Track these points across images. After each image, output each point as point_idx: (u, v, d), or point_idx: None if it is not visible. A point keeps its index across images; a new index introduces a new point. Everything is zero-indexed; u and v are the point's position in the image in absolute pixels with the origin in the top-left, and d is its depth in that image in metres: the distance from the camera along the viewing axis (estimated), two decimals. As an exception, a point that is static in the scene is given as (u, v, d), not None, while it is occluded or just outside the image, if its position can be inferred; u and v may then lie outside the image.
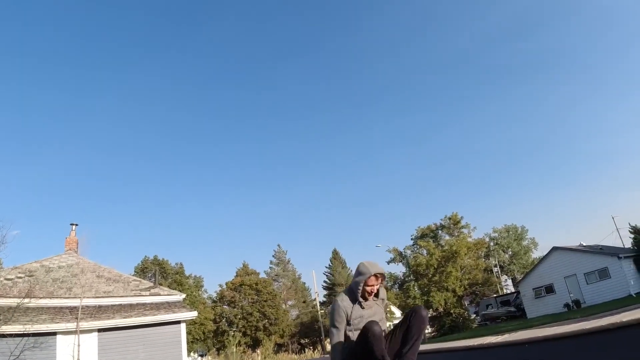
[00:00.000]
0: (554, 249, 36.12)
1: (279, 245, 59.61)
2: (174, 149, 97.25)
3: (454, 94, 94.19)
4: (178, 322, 16.89)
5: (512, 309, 39.95)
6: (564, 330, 4.51)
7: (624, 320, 3.77)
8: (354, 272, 4.50)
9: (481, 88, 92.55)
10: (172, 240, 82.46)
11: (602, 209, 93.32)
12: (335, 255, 55.92)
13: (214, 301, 51.54)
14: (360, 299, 3.81)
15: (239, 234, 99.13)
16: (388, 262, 51.65)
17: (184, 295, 20.21)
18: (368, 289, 3.79)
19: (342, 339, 3.73)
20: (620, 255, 32.34)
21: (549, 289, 35.29)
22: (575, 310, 29.95)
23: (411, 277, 45.97)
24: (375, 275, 3.78)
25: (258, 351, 41.26)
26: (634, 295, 27.98)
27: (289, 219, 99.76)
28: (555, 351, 3.83)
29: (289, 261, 58.83)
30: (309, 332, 51.78)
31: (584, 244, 38.50)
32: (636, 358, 2.64)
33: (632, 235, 35.58)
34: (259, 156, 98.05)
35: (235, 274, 53.17)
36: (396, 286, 53.21)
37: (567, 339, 3.91)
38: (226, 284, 51.40)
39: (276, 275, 57.17)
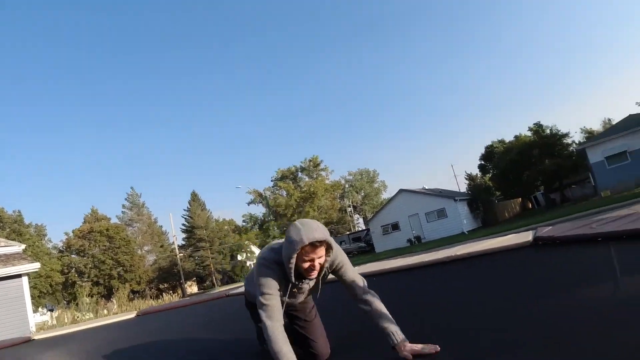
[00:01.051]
0: (400, 191, 36.51)
1: (132, 188, 50.41)
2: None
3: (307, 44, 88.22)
4: (19, 276, 14.29)
5: (363, 244, 39.76)
6: (407, 262, 4.47)
7: (458, 253, 4.15)
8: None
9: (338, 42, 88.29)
10: (7, 186, 65.33)
11: (443, 158, 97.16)
12: (195, 197, 49.17)
13: (60, 251, 42.88)
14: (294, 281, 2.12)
15: (85, 177, 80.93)
16: (248, 204, 47.94)
17: (24, 246, 16.81)
18: (305, 265, 2.04)
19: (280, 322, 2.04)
20: (456, 198, 34.10)
21: (395, 226, 36.19)
22: (416, 245, 30.95)
23: (271, 217, 42.56)
24: (311, 244, 1.98)
25: (113, 300, 34.76)
26: (466, 233, 29.73)
27: (142, 160, 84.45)
28: (400, 281, 3.77)
29: (143, 205, 50.41)
30: (168, 276, 46.03)
31: (426, 187, 39.88)
32: (467, 285, 2.71)
33: (467, 181, 39.41)
34: (110, 96, 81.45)
35: (83, 221, 44.76)
36: (256, 226, 49.68)
37: (410, 270, 3.94)
38: (73, 231, 42.88)
39: (130, 220, 48.86)
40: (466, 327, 1.99)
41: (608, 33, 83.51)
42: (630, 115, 31.71)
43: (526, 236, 4.21)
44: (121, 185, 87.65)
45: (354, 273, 2.23)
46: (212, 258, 45.70)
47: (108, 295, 39.02)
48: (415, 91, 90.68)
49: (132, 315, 6.64)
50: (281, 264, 2.09)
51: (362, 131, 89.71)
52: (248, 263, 49.21)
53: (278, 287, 2.09)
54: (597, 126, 51.34)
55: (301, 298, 2.42)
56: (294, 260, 2.00)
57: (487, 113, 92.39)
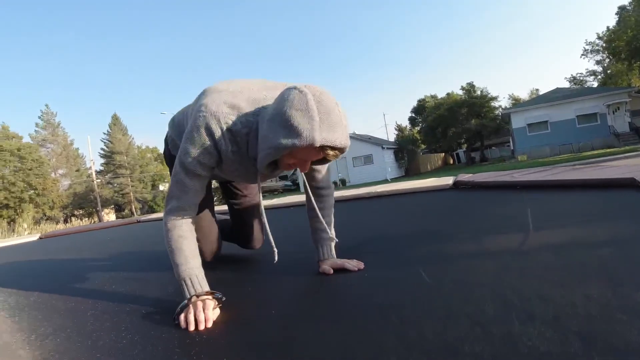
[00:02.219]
0: None
1: (47, 106, 45.97)
2: None
3: None
4: None
5: (289, 183, 40.09)
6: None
7: (379, 190, 4.47)
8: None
9: None
10: None
11: (377, 105, 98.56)
12: (116, 120, 45.88)
13: (-34, 169, 39.28)
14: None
15: None
16: (167, 132, 45.69)
17: None
18: (291, 162, 1.29)
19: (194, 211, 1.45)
20: (384, 146, 35.04)
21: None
22: (341, 187, 31.10)
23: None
24: (322, 148, 1.21)
25: (24, 224, 32.66)
26: (389, 180, 30.24)
27: (59, 75, 74.48)
28: None
29: (59, 124, 46.22)
30: (84, 203, 43.33)
31: (357, 133, 40.06)
32: (384, 219, 2.87)
33: (396, 132, 42.43)
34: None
35: None
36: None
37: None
38: (-20, 149, 39.11)
39: (43, 140, 45.12)
40: (377, 250, 1.93)
41: (551, 8, 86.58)
42: (557, 88, 33.54)
43: (447, 180, 4.30)
44: (36, 102, 79.35)
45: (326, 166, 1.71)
46: (132, 186, 43.76)
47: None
48: (362, 33, 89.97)
49: (35, 237, 6.27)
50: (242, 144, 1.37)
51: (299, 66, 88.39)
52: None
53: (213, 166, 1.42)
54: (524, 95, 53.81)
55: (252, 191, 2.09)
56: (277, 156, 1.25)
57: (425, 68, 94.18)
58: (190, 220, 1.43)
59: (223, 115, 1.33)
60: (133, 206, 43.39)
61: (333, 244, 1.70)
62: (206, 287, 1.36)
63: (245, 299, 1.48)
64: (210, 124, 1.32)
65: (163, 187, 47.84)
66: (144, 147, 50.68)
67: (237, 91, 1.40)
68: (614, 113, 28.11)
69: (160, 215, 6.71)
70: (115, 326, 1.35)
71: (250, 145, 1.36)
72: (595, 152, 22.85)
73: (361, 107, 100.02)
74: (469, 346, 0.84)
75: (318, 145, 1.18)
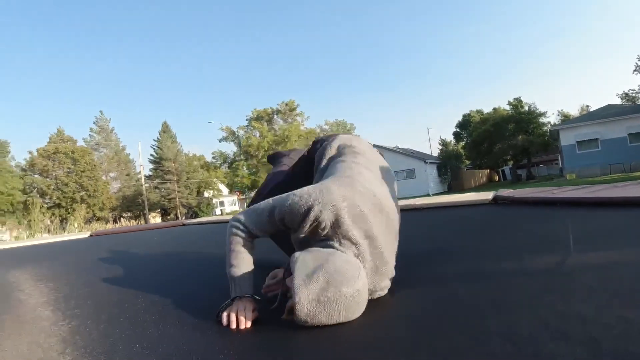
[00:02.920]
0: (374, 146, 34.92)
1: (101, 112, 48.37)
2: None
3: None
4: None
5: None
6: None
7: (417, 203, 4.36)
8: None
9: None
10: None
11: (421, 120, 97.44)
12: (166, 128, 47.84)
13: (23, 169, 41.49)
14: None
15: (54, 95, 72.85)
16: (220, 141, 46.61)
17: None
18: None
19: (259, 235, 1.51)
20: (427, 161, 34.66)
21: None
22: None
23: (241, 157, 42.08)
24: None
25: (75, 222, 34.12)
26: (431, 195, 30.33)
27: (114, 84, 77.39)
28: None
29: (112, 130, 48.53)
30: (132, 206, 45.10)
31: (400, 147, 39.83)
32: (420, 230, 2.72)
33: (440, 147, 41.97)
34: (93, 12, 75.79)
35: (48, 141, 42.80)
36: (225, 165, 49.16)
37: None
38: (37, 150, 41.18)
39: (97, 144, 47.24)
40: (411, 264, 1.94)
41: (604, 21, 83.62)
42: (608, 104, 32.26)
43: (486, 195, 4.25)
44: (91, 108, 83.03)
45: None
46: (178, 192, 45.04)
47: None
48: (406, 51, 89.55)
49: (86, 235, 6.59)
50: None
51: (345, 83, 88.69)
52: (214, 200, 48.98)
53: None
54: (574, 112, 51.99)
55: None
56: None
57: (472, 83, 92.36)
58: (252, 239, 1.50)
59: (337, 218, 1.33)
60: (178, 211, 44.66)
61: None
62: (250, 292, 1.40)
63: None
64: (322, 215, 1.32)
65: (208, 194, 48.90)
66: (191, 155, 52.20)
67: (365, 194, 1.41)
68: (669, 132, 26.77)
69: (204, 219, 6.93)
70: (162, 318, 1.44)
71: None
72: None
73: (405, 121, 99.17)
74: None
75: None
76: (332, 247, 1.34)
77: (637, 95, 42.03)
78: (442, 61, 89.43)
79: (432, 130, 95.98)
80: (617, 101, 40.93)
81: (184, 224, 6.36)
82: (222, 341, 1.20)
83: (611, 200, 2.79)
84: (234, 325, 1.29)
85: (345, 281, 1.19)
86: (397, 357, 0.97)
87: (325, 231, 1.35)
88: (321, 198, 1.33)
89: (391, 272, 1.44)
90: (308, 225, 1.34)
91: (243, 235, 1.47)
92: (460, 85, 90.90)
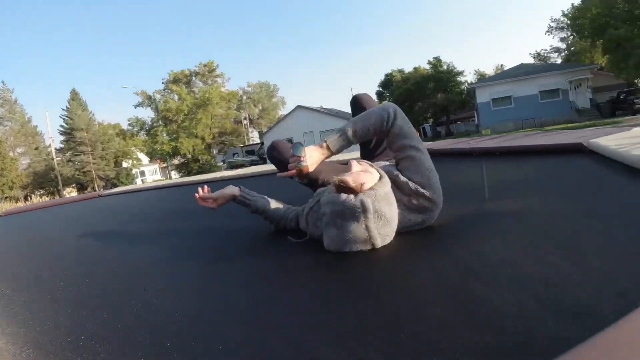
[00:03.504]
0: (298, 107, 36.27)
1: (3, 83, 43.93)
2: None
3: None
4: None
5: (256, 157, 38.81)
6: None
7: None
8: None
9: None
10: None
11: (344, 80, 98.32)
12: (75, 96, 43.91)
13: None
14: None
15: None
16: (136, 106, 44.16)
17: None
18: None
19: None
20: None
21: (289, 142, 34.21)
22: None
23: (160, 122, 40.15)
24: None
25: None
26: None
27: (14, 50, 72.30)
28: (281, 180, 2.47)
29: (16, 101, 43.83)
30: (44, 182, 41.42)
31: (324, 107, 39.79)
32: None
33: None
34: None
35: None
36: (143, 132, 46.83)
37: None
38: None
39: (0, 118, 43.17)
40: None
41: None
42: (521, 64, 34.04)
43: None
44: None
45: None
46: (93, 164, 42.36)
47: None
48: (329, 10, 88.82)
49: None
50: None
51: (266, 43, 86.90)
52: (134, 170, 46.72)
53: None
54: (490, 71, 54.34)
55: None
56: None
57: (393, 43, 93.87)
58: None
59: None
60: (96, 184, 42.08)
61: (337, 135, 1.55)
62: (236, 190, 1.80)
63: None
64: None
65: (126, 164, 46.64)
66: (105, 123, 49.14)
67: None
68: (576, 89, 28.71)
69: (123, 188, 6.62)
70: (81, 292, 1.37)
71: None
72: (557, 127, 23.40)
73: (329, 81, 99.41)
74: (431, 310, 0.86)
75: None
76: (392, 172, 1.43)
77: (548, 55, 44.80)
78: (364, 21, 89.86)
79: (356, 90, 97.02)
80: (530, 61, 43.34)
81: (100, 196, 5.97)
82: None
83: (524, 148, 2.83)
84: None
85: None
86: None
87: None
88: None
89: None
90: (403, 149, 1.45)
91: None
92: (382, 45, 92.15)
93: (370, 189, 1.29)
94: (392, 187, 1.39)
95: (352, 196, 1.25)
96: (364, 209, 1.23)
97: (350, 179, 1.28)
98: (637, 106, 24.11)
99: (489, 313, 0.79)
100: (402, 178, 1.40)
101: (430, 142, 4.56)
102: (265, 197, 1.82)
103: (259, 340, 0.85)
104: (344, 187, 1.27)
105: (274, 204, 1.79)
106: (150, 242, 2.08)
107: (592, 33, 27.45)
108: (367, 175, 1.35)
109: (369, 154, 2.02)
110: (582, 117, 26.27)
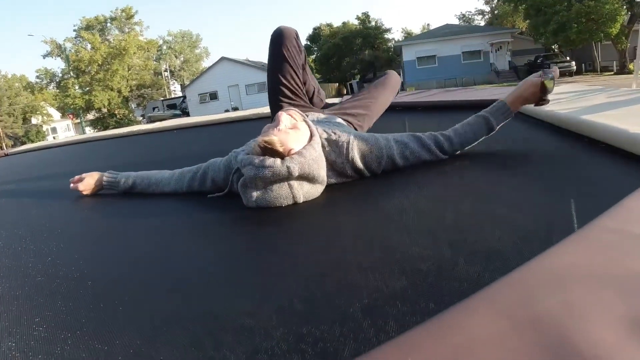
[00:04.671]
0: (222, 59, 35.32)
1: None
2: None
3: None
4: None
5: (178, 112, 37.38)
6: (211, 118, 5.03)
7: (264, 111, 4.18)
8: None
9: None
10: None
11: (270, 30, 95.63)
12: None
13: None
14: None
15: None
16: (44, 57, 40.58)
17: None
18: None
19: None
20: None
21: (214, 96, 35.45)
22: None
23: (71, 74, 37.20)
24: None
25: None
26: None
27: None
28: (203, 134, 4.10)
29: None
30: None
31: (250, 59, 39.02)
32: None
33: None
34: None
35: None
36: (53, 84, 43.32)
37: (215, 125, 4.35)
38: None
39: None
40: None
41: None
42: (447, 24, 34.98)
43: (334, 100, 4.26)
44: None
45: None
46: (0, 121, 38.86)
47: None
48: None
49: None
50: None
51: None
52: (44, 127, 43.37)
53: None
54: (417, 30, 55.23)
55: None
56: None
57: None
58: None
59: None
60: (3, 143, 38.66)
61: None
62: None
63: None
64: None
65: (36, 119, 43.12)
66: (10, 76, 44.76)
67: None
68: (496, 52, 30.01)
69: (31, 145, 6.17)
70: None
71: None
72: (477, 87, 24.50)
73: (255, 33, 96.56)
74: (350, 257, 0.88)
75: None
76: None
77: (473, 17, 46.22)
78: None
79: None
80: (455, 21, 44.55)
81: (6, 155, 5.47)
82: None
83: (446, 103, 2.93)
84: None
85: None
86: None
87: None
88: None
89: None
90: None
91: None
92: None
93: (298, 153, 1.21)
94: (327, 145, 1.35)
95: (278, 161, 1.17)
96: (289, 176, 1.17)
97: (277, 141, 1.18)
98: (552, 71, 25.66)
99: (405, 258, 0.81)
100: (345, 146, 1.35)
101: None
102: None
103: (174, 295, 0.82)
104: (269, 149, 1.18)
105: (155, 172, 1.70)
106: (54, 200, 1.94)
107: (516, -2, 28.56)
108: (295, 135, 1.27)
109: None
110: (500, 79, 27.63)
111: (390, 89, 2.10)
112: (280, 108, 1.73)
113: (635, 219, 0.69)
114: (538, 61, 27.86)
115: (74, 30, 40.23)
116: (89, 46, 37.70)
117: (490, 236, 0.86)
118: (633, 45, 22.55)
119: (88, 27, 39.69)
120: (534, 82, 1.48)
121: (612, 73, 25.33)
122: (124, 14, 40.93)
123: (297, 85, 1.87)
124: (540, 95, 1.48)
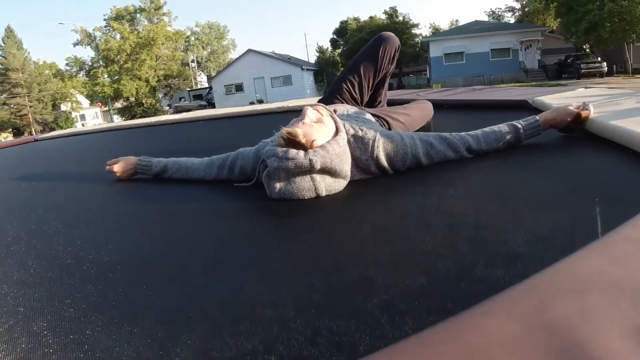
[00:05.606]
0: (249, 51, 35.69)
1: None
2: None
3: None
4: None
5: (204, 102, 37.70)
6: (238, 110, 5.03)
7: (290, 105, 4.35)
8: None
9: None
10: None
11: (298, 25, 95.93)
12: (10, 33, 39.82)
13: None
14: None
15: None
16: (74, 45, 41.21)
17: None
18: None
19: None
20: (303, 67, 35.26)
21: (239, 87, 35.85)
22: None
23: (100, 62, 37.90)
24: None
25: None
26: None
27: None
28: (229, 125, 4.15)
29: None
30: None
31: (276, 52, 39.35)
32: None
33: (317, 53, 42.21)
34: None
35: None
36: (83, 73, 44.16)
37: (241, 117, 4.42)
38: None
39: None
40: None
41: None
42: (476, 20, 34.45)
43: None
44: None
45: None
46: (30, 107, 39.53)
47: None
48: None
49: None
50: None
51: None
52: (73, 114, 44.29)
53: None
54: (445, 26, 54.56)
55: None
56: None
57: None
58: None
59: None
60: (33, 129, 39.57)
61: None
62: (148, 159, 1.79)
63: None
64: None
65: (65, 106, 44.10)
66: (41, 63, 45.79)
67: None
68: (526, 50, 29.47)
69: (61, 132, 6.29)
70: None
71: None
72: (505, 85, 24.12)
73: (282, 26, 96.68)
74: (368, 252, 0.90)
75: None
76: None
77: (502, 14, 45.41)
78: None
79: (310, 37, 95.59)
80: (485, 18, 43.84)
81: (36, 140, 5.60)
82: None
83: (472, 102, 2.91)
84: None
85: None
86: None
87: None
88: None
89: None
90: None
91: None
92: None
93: (322, 146, 1.21)
94: (352, 141, 1.36)
95: (301, 153, 1.17)
96: (311, 168, 1.18)
97: (300, 133, 1.19)
98: (582, 71, 25.10)
99: (423, 255, 0.82)
100: (371, 144, 1.36)
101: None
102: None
103: (197, 280, 0.84)
104: (292, 141, 1.19)
105: (186, 159, 1.75)
106: (84, 185, 2.00)
107: (547, -5, 27.99)
108: (320, 129, 1.27)
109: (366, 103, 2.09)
110: (529, 77, 27.14)
111: (425, 116, 2.21)
112: (333, 97, 1.99)
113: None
114: (569, 60, 27.24)
115: (104, 20, 40.85)
116: (118, 36, 38.33)
117: (512, 238, 0.85)
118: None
119: (118, 17, 40.27)
120: (570, 111, 1.55)
121: (645, 75, 24.64)
122: (153, 4, 41.41)
123: (367, 85, 2.02)
124: (571, 124, 1.56)
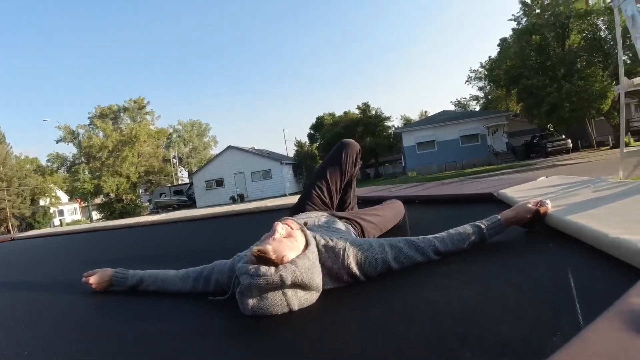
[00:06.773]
0: (229, 147, 36.83)
1: None
2: None
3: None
4: None
5: (184, 198, 38.37)
6: (217, 211, 5.00)
7: (268, 205, 4.48)
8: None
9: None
10: None
11: (277, 122, 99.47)
12: None
13: None
14: None
15: None
16: (57, 141, 41.85)
17: None
18: None
19: None
20: (282, 161, 36.31)
21: (220, 182, 36.34)
22: (239, 202, 30.95)
23: (82, 159, 38.20)
24: None
25: None
26: (288, 195, 31.45)
27: None
28: (207, 227, 4.11)
29: None
30: None
31: (256, 147, 40.70)
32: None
33: (296, 148, 43.60)
34: None
35: None
36: (64, 169, 44.32)
37: (220, 218, 4.47)
38: None
39: None
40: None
41: (439, 38, 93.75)
42: (444, 110, 36.43)
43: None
44: None
45: None
46: (9, 201, 39.22)
47: None
48: (260, 52, 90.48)
49: None
50: None
51: (199, 81, 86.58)
52: (52, 209, 43.76)
53: None
54: (415, 116, 57.24)
55: None
56: None
57: (324, 86, 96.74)
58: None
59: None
60: (10, 223, 38.84)
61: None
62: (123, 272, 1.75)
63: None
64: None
65: (44, 201, 43.66)
66: (22, 158, 46.07)
67: None
68: (493, 134, 30.86)
69: (38, 232, 6.22)
70: None
71: None
72: (477, 169, 24.92)
73: (261, 122, 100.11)
74: (354, 349, 0.95)
75: None
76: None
77: (468, 103, 48.10)
78: (299, 64, 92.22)
79: (288, 132, 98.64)
80: (451, 107, 46.34)
81: (13, 239, 5.48)
82: None
83: (440, 197, 3.03)
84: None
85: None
86: None
87: None
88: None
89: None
90: None
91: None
92: (316, 88, 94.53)
93: (292, 261, 1.23)
94: (324, 252, 1.38)
95: (272, 269, 1.19)
96: (282, 284, 1.19)
97: (270, 250, 1.21)
98: (549, 149, 26.31)
99: (409, 348, 0.84)
100: (341, 253, 1.39)
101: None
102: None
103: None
104: (263, 258, 1.21)
105: (161, 271, 1.73)
106: (59, 298, 1.95)
107: (507, 83, 29.76)
108: (290, 244, 1.30)
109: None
110: (499, 160, 28.13)
111: (396, 215, 2.31)
112: (305, 204, 2.08)
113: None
114: (535, 141, 28.62)
115: (89, 118, 41.80)
116: (101, 133, 38.97)
117: (495, 326, 0.88)
118: (627, 118, 23.19)
119: (102, 115, 41.32)
120: (529, 209, 1.64)
121: (609, 147, 25.63)
122: (136, 104, 42.74)
123: (335, 188, 2.14)
124: (531, 221, 1.65)
